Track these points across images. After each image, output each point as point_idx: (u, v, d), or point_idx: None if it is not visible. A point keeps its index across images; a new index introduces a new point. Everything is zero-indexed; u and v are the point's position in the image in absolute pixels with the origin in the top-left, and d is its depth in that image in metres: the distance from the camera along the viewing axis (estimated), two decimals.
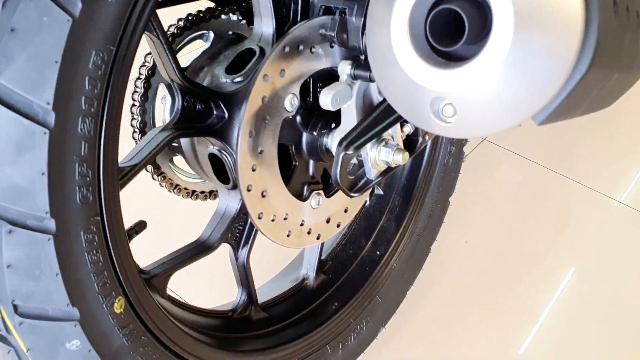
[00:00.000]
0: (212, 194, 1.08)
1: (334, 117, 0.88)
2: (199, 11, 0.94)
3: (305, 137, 0.89)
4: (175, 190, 1.03)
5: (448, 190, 1.25)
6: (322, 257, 1.12)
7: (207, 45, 0.99)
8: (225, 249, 0.94)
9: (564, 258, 1.46)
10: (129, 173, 0.73)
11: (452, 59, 0.58)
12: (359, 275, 1.13)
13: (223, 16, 0.98)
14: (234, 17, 1.00)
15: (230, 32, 1.00)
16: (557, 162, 1.76)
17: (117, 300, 0.66)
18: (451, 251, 1.44)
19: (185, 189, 1.04)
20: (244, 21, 1.01)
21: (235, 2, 1.01)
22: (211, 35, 0.99)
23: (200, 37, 0.99)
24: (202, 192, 1.07)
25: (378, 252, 1.16)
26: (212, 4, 1.00)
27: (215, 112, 0.81)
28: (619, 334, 1.29)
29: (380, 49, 0.61)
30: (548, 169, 1.74)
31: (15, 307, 0.59)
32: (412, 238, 1.19)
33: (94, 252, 0.62)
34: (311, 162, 0.92)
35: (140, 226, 0.81)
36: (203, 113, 0.81)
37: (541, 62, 0.54)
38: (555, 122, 0.62)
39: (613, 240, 1.52)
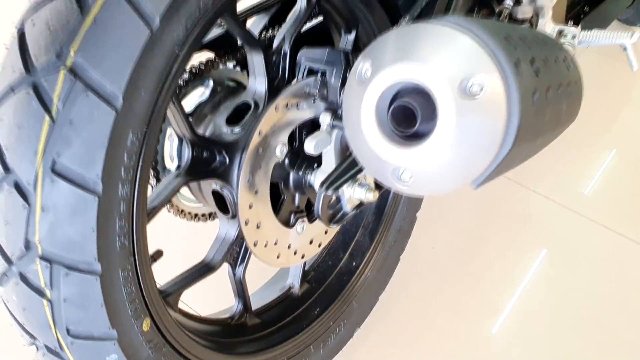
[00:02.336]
0: (211, 216, 1.25)
1: (316, 159, 1.05)
2: (201, 63, 1.10)
3: (292, 175, 1.06)
4: (180, 215, 1.19)
5: (415, 207, 1.42)
6: (306, 268, 1.29)
7: (207, 91, 1.14)
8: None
9: (525, 256, 1.65)
10: (151, 213, 0.90)
11: (410, 137, 0.75)
12: (337, 283, 1.31)
13: (221, 66, 1.14)
14: (230, 66, 1.16)
15: (228, 79, 1.16)
16: (515, 173, 1.95)
17: (145, 321, 0.83)
18: (419, 256, 1.62)
19: (189, 212, 1.20)
20: (238, 69, 1.17)
21: (231, 52, 1.17)
22: (211, 82, 1.15)
23: (200, 84, 1.15)
24: (203, 215, 1.23)
25: (354, 263, 1.34)
26: (212, 55, 1.15)
27: (218, 158, 0.97)
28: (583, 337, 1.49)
29: (353, 127, 0.78)
30: (507, 179, 1.93)
31: (68, 330, 0.76)
32: (383, 250, 1.37)
33: (129, 285, 0.79)
34: (297, 195, 1.09)
35: (158, 254, 0.97)
36: (208, 159, 0.97)
37: (474, 145, 0.72)
38: (490, 181, 0.80)
39: (567, 241, 1.72)
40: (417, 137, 0.75)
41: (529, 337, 1.46)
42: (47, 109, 0.68)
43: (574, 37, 1.26)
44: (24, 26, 0.72)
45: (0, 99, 0.71)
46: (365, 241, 1.36)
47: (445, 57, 0.70)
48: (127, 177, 0.75)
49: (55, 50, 0.68)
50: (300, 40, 1.05)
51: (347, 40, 1.15)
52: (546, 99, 0.81)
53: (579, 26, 1.42)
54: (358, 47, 1.21)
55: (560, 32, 1.28)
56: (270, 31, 1.16)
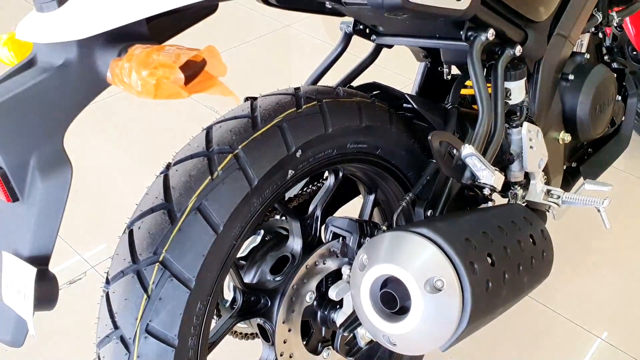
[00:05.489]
0: (258, 334, 1.55)
1: (339, 301, 1.35)
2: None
3: (319, 314, 1.36)
4: (233, 335, 1.50)
5: None
6: None
7: (258, 238, 1.47)
8: None
9: None
10: (210, 347, 1.21)
11: (396, 312, 1.04)
12: None
13: (270, 219, 1.47)
14: (277, 217, 1.49)
15: (277, 227, 1.49)
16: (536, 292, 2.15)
17: None
18: None
19: (241, 333, 1.51)
20: (284, 218, 1.50)
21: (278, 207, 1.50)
22: (262, 232, 1.48)
23: (253, 233, 1.48)
24: (252, 334, 1.54)
25: None
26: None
27: (262, 301, 1.29)
28: None
29: (356, 298, 1.08)
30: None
31: None
32: None
33: None
34: (323, 329, 1.39)
35: None
36: (255, 302, 1.28)
37: (438, 324, 1.00)
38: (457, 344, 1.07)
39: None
40: (402, 311, 1.04)
41: None
42: (145, 289, 1.02)
43: (558, 197, 1.52)
44: (132, 227, 1.07)
45: (113, 278, 1.05)
46: (385, 357, 1.62)
47: (415, 262, 1.00)
48: (195, 332, 1.07)
49: (153, 250, 1.03)
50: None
51: (369, 198, 1.46)
52: (503, 282, 1.09)
53: (574, 184, 1.70)
54: (378, 203, 1.52)
55: (548, 192, 1.55)
56: (304, 190, 1.48)
